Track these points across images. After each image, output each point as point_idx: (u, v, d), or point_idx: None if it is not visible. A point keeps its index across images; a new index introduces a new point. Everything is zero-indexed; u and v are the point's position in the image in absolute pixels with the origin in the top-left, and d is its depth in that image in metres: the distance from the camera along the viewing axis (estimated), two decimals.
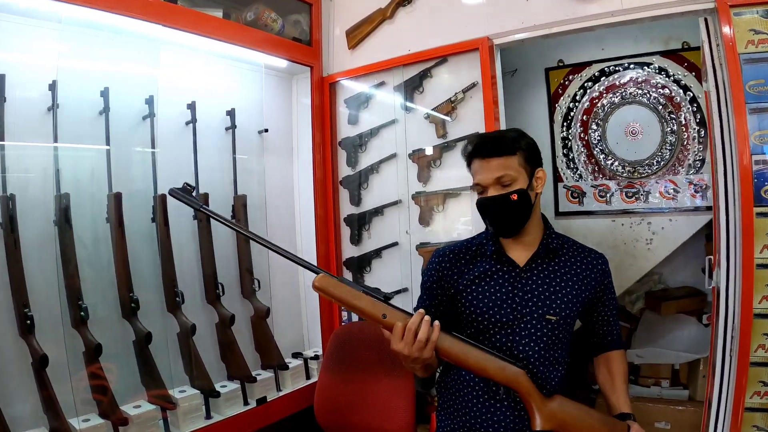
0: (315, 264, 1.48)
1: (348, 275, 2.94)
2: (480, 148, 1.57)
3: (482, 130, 2.43)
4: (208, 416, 2.28)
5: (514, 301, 1.57)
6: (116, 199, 2.10)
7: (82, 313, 1.97)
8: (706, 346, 2.84)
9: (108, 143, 2.14)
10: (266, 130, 2.75)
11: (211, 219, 2.16)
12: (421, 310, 1.40)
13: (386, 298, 1.44)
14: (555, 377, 1.58)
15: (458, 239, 2.40)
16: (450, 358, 1.44)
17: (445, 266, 1.68)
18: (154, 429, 2.08)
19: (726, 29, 1.88)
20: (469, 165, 1.62)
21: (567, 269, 1.62)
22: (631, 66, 3.07)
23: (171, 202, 2.22)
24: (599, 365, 1.74)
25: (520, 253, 1.62)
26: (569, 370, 1.64)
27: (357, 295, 1.42)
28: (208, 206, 2.36)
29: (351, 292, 1.42)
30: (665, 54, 2.99)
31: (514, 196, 1.53)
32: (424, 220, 2.68)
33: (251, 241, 2.50)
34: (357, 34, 2.79)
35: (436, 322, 1.40)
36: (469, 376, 1.61)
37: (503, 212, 1.55)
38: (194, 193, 1.50)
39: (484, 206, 1.58)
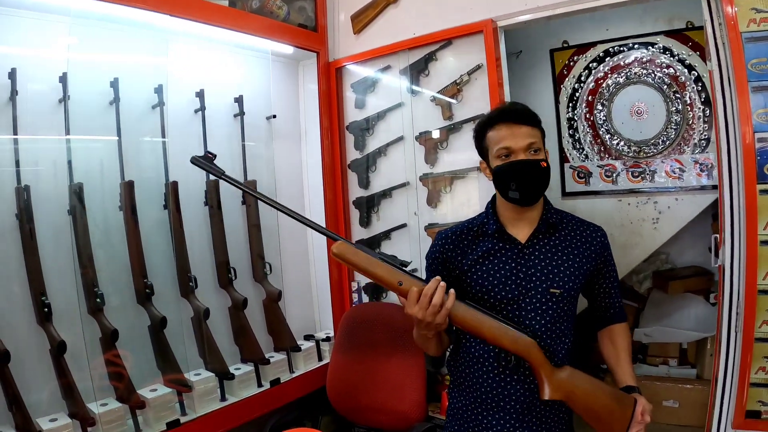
0: (332, 232, 1.51)
1: None
2: (511, 112, 1.57)
3: (488, 111, 2.44)
4: (223, 398, 2.32)
5: (518, 277, 1.59)
6: (128, 188, 2.14)
7: (98, 299, 2.01)
8: (714, 324, 2.84)
9: (119, 133, 2.17)
10: (274, 116, 2.77)
11: (221, 206, 2.23)
12: (438, 277, 1.44)
13: (402, 264, 1.47)
14: (562, 349, 1.61)
15: (466, 219, 2.44)
16: (465, 326, 1.48)
17: (448, 248, 1.70)
18: (170, 411, 2.12)
19: (728, 8, 1.87)
20: (484, 133, 1.61)
21: (567, 243, 1.64)
22: (636, 46, 3.06)
23: (181, 188, 2.28)
24: (603, 339, 1.77)
25: (520, 229, 1.64)
26: (575, 345, 1.67)
27: (374, 262, 1.46)
28: (218, 193, 2.42)
29: (368, 260, 1.45)
30: (669, 33, 2.97)
31: (544, 164, 1.55)
32: (432, 201, 2.71)
33: (260, 228, 2.60)
34: (362, 19, 2.80)
35: (452, 290, 1.44)
36: (479, 352, 1.64)
37: (533, 177, 1.56)
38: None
39: (513, 170, 1.55)
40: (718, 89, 1.96)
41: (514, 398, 1.59)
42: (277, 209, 1.57)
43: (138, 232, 2.16)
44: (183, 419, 2.15)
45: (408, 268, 2.69)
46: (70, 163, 2.01)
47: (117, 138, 2.16)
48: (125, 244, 2.15)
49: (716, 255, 2.41)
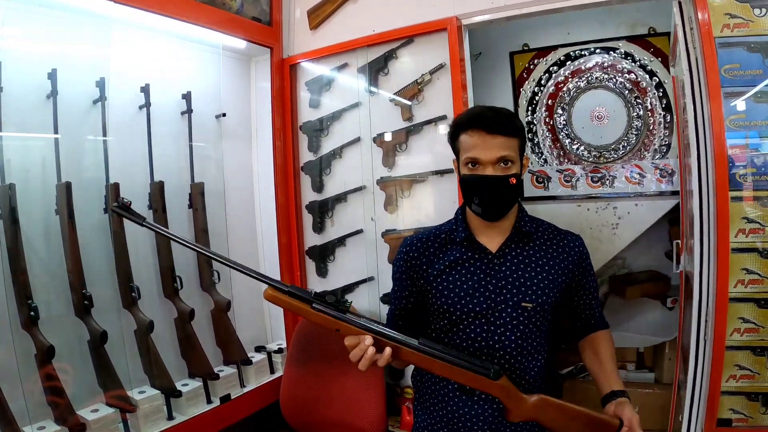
0: (266, 274, 1.37)
1: (311, 265, 2.86)
2: (487, 119, 1.44)
3: (450, 114, 2.38)
4: (170, 417, 2.19)
5: (488, 290, 1.49)
6: (65, 190, 1.97)
7: (32, 312, 1.85)
8: (671, 329, 2.87)
9: (56, 129, 2.00)
10: (224, 115, 2.63)
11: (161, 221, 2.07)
12: (370, 339, 1.29)
13: (341, 306, 1.33)
14: (533, 367, 1.53)
15: (426, 225, 2.35)
16: (417, 366, 1.39)
17: (413, 255, 1.59)
18: None
19: (701, 13, 1.85)
20: (458, 134, 1.49)
21: (542, 253, 1.55)
22: (597, 51, 3.05)
23: (124, 190, 2.14)
24: (585, 349, 1.68)
25: (492, 238, 1.55)
26: (548, 363, 1.59)
27: (307, 311, 1.32)
28: (163, 196, 2.27)
29: (299, 308, 1.32)
30: (631, 39, 2.97)
31: (513, 180, 1.43)
32: (390, 206, 2.61)
33: (208, 233, 2.47)
34: (319, 14, 2.68)
35: (387, 349, 1.30)
36: None
37: (499, 194, 1.45)
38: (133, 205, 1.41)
39: (477, 185, 1.46)
40: (688, 94, 1.93)
41: (482, 419, 1.50)
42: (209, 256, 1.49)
43: (76, 239, 1.99)
44: None
45: (363, 278, 2.64)
46: (1, 162, 1.85)
47: (54, 134, 2.00)
48: (62, 252, 1.99)
49: (677, 261, 2.41)
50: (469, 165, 1.46)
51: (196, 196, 2.46)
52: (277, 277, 2.78)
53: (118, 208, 1.36)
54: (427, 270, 1.56)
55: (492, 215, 1.49)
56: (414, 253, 1.59)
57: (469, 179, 1.47)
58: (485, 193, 1.46)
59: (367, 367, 1.30)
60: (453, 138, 1.52)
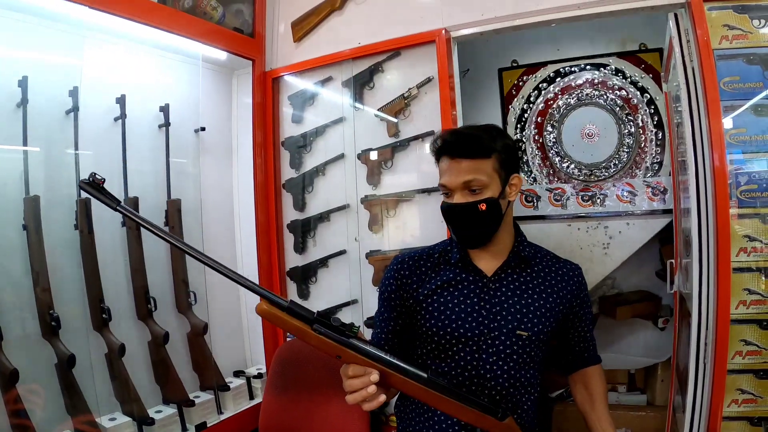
0: (257, 282, 1.18)
1: (292, 286, 2.75)
2: (450, 145, 1.41)
3: (438, 129, 2.30)
4: None
5: (481, 315, 1.42)
6: (33, 204, 1.88)
7: None
8: (663, 350, 2.83)
9: (25, 140, 1.91)
10: (203, 129, 2.54)
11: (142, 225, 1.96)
12: (376, 376, 1.11)
13: (345, 329, 1.14)
14: (526, 401, 1.46)
15: (413, 246, 2.27)
16: (419, 400, 1.24)
17: (404, 274, 1.52)
18: None
19: (699, 24, 1.81)
20: (437, 161, 1.46)
21: (540, 281, 1.49)
22: (587, 67, 3.02)
23: (97, 206, 2.02)
24: (576, 383, 1.64)
25: (488, 262, 1.48)
26: (542, 397, 1.52)
27: (306, 332, 1.12)
28: (137, 211, 2.17)
29: (299, 329, 1.12)
30: (622, 55, 2.95)
31: (483, 206, 1.38)
32: (375, 226, 2.52)
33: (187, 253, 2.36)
34: (303, 26, 2.61)
35: (382, 396, 1.13)
36: None
37: (469, 222, 1.41)
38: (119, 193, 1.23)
39: (447, 213, 1.44)
40: (685, 109, 1.88)
41: None
42: (192, 255, 1.20)
43: (43, 255, 1.90)
44: None
45: (345, 300, 2.55)
46: None
47: (23, 145, 1.91)
48: (29, 269, 1.89)
49: (671, 281, 2.36)
50: (444, 193, 1.45)
51: (173, 213, 2.36)
52: (256, 299, 2.66)
53: (88, 185, 1.10)
54: (418, 290, 1.49)
55: (469, 243, 1.46)
56: (405, 271, 1.52)
57: (442, 207, 1.46)
58: (455, 222, 1.43)
59: (368, 405, 1.13)
60: (436, 162, 1.49)
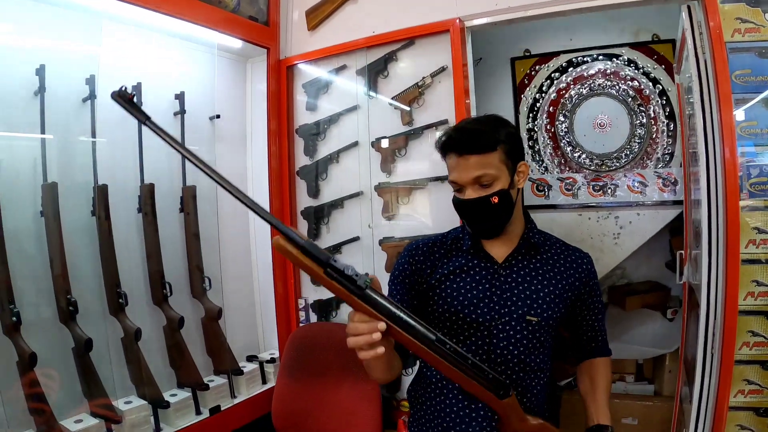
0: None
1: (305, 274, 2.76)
2: (456, 142, 1.42)
3: (452, 118, 2.31)
4: (158, 429, 2.11)
5: (492, 300, 1.45)
6: (51, 190, 1.89)
7: (14, 318, 1.76)
8: (671, 340, 2.84)
9: (43, 127, 1.92)
10: (218, 116, 2.55)
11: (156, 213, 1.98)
12: (383, 324, 1.11)
13: (357, 279, 1.12)
14: (536, 386, 1.48)
15: (425, 234, 2.29)
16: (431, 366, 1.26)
17: (418, 259, 1.55)
18: None
19: (712, 17, 1.80)
20: (443, 157, 1.49)
21: (549, 267, 1.51)
22: (600, 57, 3.01)
23: (113, 191, 2.06)
24: (581, 373, 1.66)
25: (499, 248, 1.51)
26: (551, 381, 1.54)
27: (320, 275, 1.10)
28: (153, 199, 2.19)
29: (312, 269, 1.09)
30: (634, 46, 2.94)
31: (495, 199, 1.40)
32: (388, 213, 2.54)
33: (199, 237, 2.38)
34: (318, 14, 2.61)
35: (381, 348, 1.12)
36: (441, 382, 1.50)
37: (482, 216, 1.43)
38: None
39: (461, 208, 1.46)
40: (697, 101, 1.88)
41: None
42: (221, 185, 1.19)
43: (61, 242, 1.90)
44: None
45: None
46: None
47: (41, 133, 1.92)
48: (46, 254, 1.90)
49: (680, 272, 2.37)
50: (454, 189, 1.46)
51: (188, 200, 2.37)
52: (270, 290, 2.72)
53: (119, 96, 1.12)
54: (431, 274, 1.52)
55: (484, 235, 1.49)
56: (420, 257, 1.55)
57: (455, 202, 1.48)
58: (469, 216, 1.46)
59: (366, 353, 1.13)
60: (443, 158, 1.51)
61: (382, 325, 1.11)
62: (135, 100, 1.14)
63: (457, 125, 1.51)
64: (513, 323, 1.44)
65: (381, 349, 1.11)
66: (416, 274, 1.54)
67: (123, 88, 1.12)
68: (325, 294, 2.70)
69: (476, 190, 1.41)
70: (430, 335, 1.17)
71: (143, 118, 1.13)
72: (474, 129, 1.45)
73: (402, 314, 1.14)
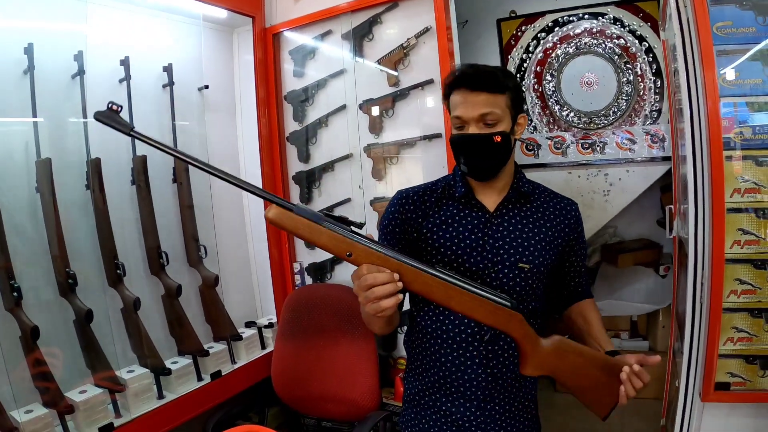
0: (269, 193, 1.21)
1: None
2: (468, 77, 1.40)
3: (437, 78, 2.33)
4: (161, 396, 2.15)
5: (484, 249, 1.45)
6: (45, 166, 1.90)
7: (15, 293, 1.79)
8: (664, 296, 2.87)
9: (33, 104, 1.93)
10: (206, 87, 2.56)
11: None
12: (393, 274, 1.17)
13: (354, 227, 1.21)
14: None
15: None
16: (432, 299, 1.27)
17: (408, 208, 1.54)
18: (103, 414, 1.94)
19: None
20: (447, 96, 1.46)
21: (539, 215, 1.52)
22: (586, 16, 3.01)
23: (106, 165, 2.08)
24: (572, 316, 1.64)
25: (490, 197, 1.51)
26: (545, 325, 1.55)
27: (316, 229, 1.18)
28: (146, 171, 2.21)
29: (310, 227, 1.18)
30: (620, 4, 2.94)
31: (498, 138, 1.39)
32: (378, 173, 2.57)
33: (193, 208, 2.40)
34: None
35: (399, 295, 1.17)
36: (437, 332, 1.50)
37: (483, 153, 1.42)
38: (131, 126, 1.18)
39: (461, 144, 1.44)
40: (680, 55, 1.88)
41: (476, 384, 1.46)
42: (202, 169, 1.19)
43: (58, 216, 1.92)
44: (117, 422, 1.97)
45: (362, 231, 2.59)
46: None
47: (32, 110, 1.92)
48: (44, 230, 1.93)
49: (670, 227, 2.39)
50: (456, 126, 1.44)
51: (180, 171, 2.39)
52: (265, 251, 2.76)
53: (102, 116, 1.14)
54: (422, 223, 1.51)
55: (479, 175, 1.47)
56: (410, 206, 1.54)
57: (454, 138, 1.45)
58: (469, 152, 1.44)
59: (376, 311, 1.16)
60: (446, 98, 1.48)
61: (397, 276, 1.16)
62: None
63: (471, 63, 1.47)
64: (506, 271, 1.45)
65: (401, 296, 1.17)
66: (406, 223, 1.54)
67: (110, 105, 1.14)
68: (319, 257, 2.73)
69: (480, 128, 1.40)
70: (431, 270, 1.23)
71: (126, 130, 1.15)
72: (488, 69, 1.44)
73: (402, 255, 1.20)
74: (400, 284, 1.16)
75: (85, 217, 2.08)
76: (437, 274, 1.23)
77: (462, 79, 1.41)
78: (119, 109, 1.15)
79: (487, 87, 1.38)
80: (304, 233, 1.17)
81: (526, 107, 3.18)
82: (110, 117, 1.14)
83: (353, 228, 1.20)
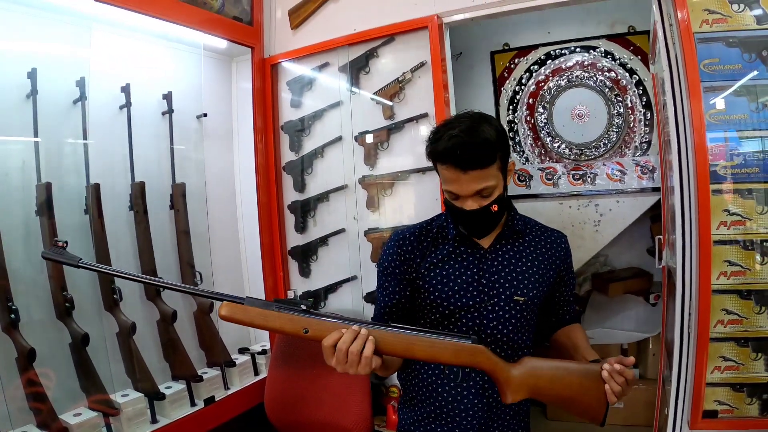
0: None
1: (293, 265, 2.83)
2: (457, 158, 1.37)
3: (432, 113, 2.38)
4: (154, 420, 2.15)
5: (480, 283, 1.49)
6: (46, 190, 1.93)
7: (13, 315, 1.80)
8: (654, 325, 2.89)
9: (36, 129, 1.96)
10: (205, 115, 2.60)
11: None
12: (355, 327, 1.21)
13: (307, 307, 1.25)
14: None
15: (407, 224, 2.33)
16: (396, 354, 1.29)
17: (407, 249, 1.56)
18: None
19: (680, 9, 1.85)
20: (433, 160, 1.45)
21: (532, 249, 1.55)
22: (577, 49, 3.08)
23: (105, 190, 2.11)
24: (558, 339, 1.65)
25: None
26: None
27: (269, 315, 1.23)
28: (144, 197, 2.24)
29: (262, 314, 1.23)
30: (611, 38, 3.01)
31: (495, 207, 1.41)
32: (372, 204, 2.60)
33: (189, 234, 2.44)
34: (300, 13, 2.67)
35: (371, 337, 1.22)
36: (433, 364, 1.53)
37: (483, 224, 1.45)
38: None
39: (458, 216, 1.45)
40: (668, 90, 1.94)
41: (472, 413, 1.49)
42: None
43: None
44: None
45: (345, 277, 2.64)
46: None
47: (33, 134, 1.95)
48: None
49: (659, 256, 2.43)
50: (451, 198, 1.44)
51: (178, 197, 2.42)
52: (260, 284, 2.78)
53: (50, 254, 1.24)
54: (420, 263, 1.54)
55: (479, 235, 1.51)
56: (408, 246, 1.56)
57: (451, 209, 1.47)
58: (468, 223, 1.45)
59: (355, 367, 1.21)
60: (431, 159, 1.47)
61: (356, 326, 1.21)
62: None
63: (458, 138, 1.37)
64: (501, 304, 1.48)
65: (378, 360, 1.22)
66: (406, 264, 1.56)
67: (55, 241, 1.24)
68: (314, 285, 2.76)
69: (477, 201, 1.40)
70: (384, 326, 1.28)
71: (74, 263, 1.23)
72: (476, 145, 1.37)
73: (354, 318, 1.27)
74: (364, 331, 1.21)
75: (83, 240, 2.08)
76: (393, 330, 1.27)
77: (450, 157, 1.37)
78: (65, 245, 1.23)
79: (479, 164, 1.36)
80: (259, 322, 1.23)
81: (517, 139, 3.23)
82: (58, 253, 1.23)
83: (303, 307, 1.25)
